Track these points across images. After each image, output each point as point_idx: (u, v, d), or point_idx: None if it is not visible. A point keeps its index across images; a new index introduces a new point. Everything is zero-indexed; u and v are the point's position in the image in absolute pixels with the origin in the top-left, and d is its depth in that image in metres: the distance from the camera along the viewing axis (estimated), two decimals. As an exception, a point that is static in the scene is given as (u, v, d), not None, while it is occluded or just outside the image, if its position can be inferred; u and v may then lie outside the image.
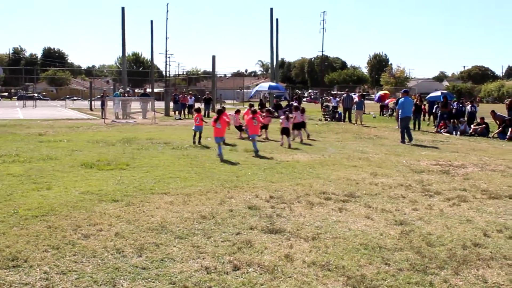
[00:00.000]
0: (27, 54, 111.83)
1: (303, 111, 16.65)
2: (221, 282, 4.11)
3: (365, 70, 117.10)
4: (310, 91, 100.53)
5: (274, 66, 39.12)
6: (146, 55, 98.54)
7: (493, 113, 20.62)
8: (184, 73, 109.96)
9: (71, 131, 18.13)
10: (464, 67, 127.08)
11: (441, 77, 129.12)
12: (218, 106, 20.32)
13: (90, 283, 4.04)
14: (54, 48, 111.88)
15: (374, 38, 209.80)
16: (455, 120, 21.34)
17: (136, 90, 58.77)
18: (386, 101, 34.42)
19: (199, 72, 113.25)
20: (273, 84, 32.64)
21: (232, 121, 17.00)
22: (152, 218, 5.97)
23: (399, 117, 16.95)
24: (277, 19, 37.60)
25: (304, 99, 66.34)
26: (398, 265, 4.58)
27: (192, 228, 5.60)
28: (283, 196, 7.30)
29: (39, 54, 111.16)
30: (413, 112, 19.73)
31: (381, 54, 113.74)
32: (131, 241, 5.08)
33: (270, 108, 21.95)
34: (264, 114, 16.62)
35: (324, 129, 20.98)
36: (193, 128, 14.14)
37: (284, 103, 32.92)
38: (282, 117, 15.14)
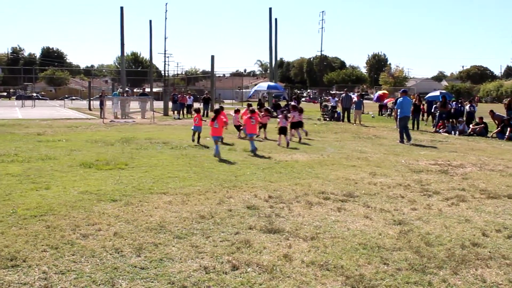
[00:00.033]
0: (25, 53, 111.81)
1: (301, 111, 16.67)
2: (220, 282, 4.11)
3: (364, 70, 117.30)
4: (309, 90, 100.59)
5: (273, 65, 39.14)
6: (145, 55, 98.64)
7: (491, 113, 20.64)
8: (183, 73, 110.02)
9: (69, 130, 18.11)
10: (463, 67, 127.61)
11: (440, 77, 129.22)
12: (217, 106, 20.31)
13: (89, 283, 4.03)
14: (52, 48, 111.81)
15: (373, 38, 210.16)
16: (454, 120, 21.37)
17: (135, 90, 58.78)
18: (385, 101, 34.45)
19: (198, 72, 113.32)
20: (272, 83, 32.68)
21: (232, 121, 17.05)
22: (151, 218, 5.97)
23: (398, 117, 16.98)
24: (276, 19, 37.67)
25: (303, 99, 66.33)
26: (396, 264, 4.59)
27: (191, 228, 5.60)
28: (282, 196, 7.30)
29: (37, 54, 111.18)
30: (412, 112, 19.76)
31: (380, 53, 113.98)
32: (130, 241, 5.08)
33: (268, 107, 21.93)
34: (262, 113, 16.63)
35: (323, 129, 20.99)
36: (192, 128, 14.16)
37: (283, 103, 32.93)
38: (280, 116, 15.16)
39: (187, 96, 31.00)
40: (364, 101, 29.46)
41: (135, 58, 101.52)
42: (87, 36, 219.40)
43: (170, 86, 61.40)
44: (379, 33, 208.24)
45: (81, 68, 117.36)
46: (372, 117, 31.62)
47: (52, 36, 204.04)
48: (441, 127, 21.07)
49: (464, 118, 21.86)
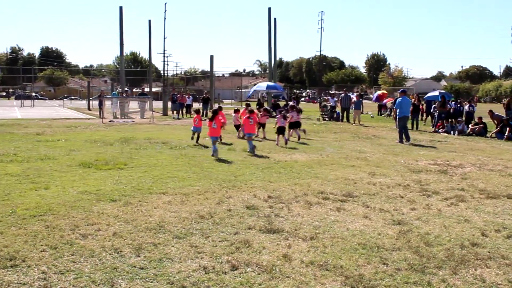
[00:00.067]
0: (25, 53, 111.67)
1: (299, 111, 16.71)
2: (219, 282, 4.11)
3: (363, 70, 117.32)
4: (308, 90, 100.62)
5: (272, 65, 39.10)
6: (144, 55, 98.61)
7: (491, 112, 20.65)
8: (182, 73, 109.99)
9: (69, 130, 18.10)
10: (462, 67, 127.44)
11: (439, 77, 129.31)
12: (216, 106, 20.32)
13: (88, 283, 4.03)
14: (52, 48, 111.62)
15: (372, 38, 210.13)
16: (453, 120, 21.38)
17: (134, 90, 58.75)
18: (384, 101, 34.48)
19: (197, 72, 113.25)
20: (271, 83, 32.66)
21: (233, 120, 17.09)
22: (150, 218, 5.97)
23: (397, 117, 16.99)
24: (275, 19, 37.57)
25: (303, 99, 66.34)
26: (396, 264, 4.59)
27: (190, 228, 5.60)
28: (281, 196, 7.30)
29: (37, 54, 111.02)
30: (411, 112, 19.77)
31: (379, 53, 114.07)
32: (129, 241, 5.08)
33: (267, 107, 21.95)
34: (261, 113, 16.65)
35: (322, 128, 20.99)
36: (192, 129, 14.20)
37: (282, 103, 32.93)
38: (278, 116, 15.19)
39: (186, 96, 30.99)
40: (363, 101, 29.49)
41: (134, 58, 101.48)
42: (86, 36, 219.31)
43: (169, 86, 61.35)
44: (378, 33, 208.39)
45: (80, 68, 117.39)
46: (371, 117, 31.65)
47: (51, 35, 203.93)
48: (440, 127, 21.08)
49: (463, 118, 21.88)
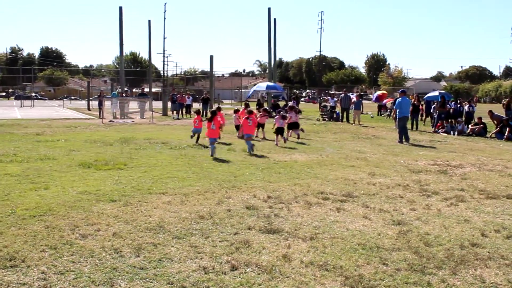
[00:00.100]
0: (24, 53, 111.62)
1: (298, 112, 16.76)
2: (219, 282, 4.10)
3: (363, 70, 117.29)
4: (308, 91, 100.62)
5: (272, 66, 39.11)
6: (144, 55, 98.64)
7: (490, 113, 20.66)
8: (182, 73, 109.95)
9: (68, 130, 18.10)
10: (461, 67, 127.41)
11: (438, 77, 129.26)
12: (218, 106, 20.34)
13: (88, 283, 4.03)
14: (51, 48, 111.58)
15: (372, 38, 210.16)
16: (453, 120, 21.38)
17: (134, 90, 58.70)
18: (384, 101, 34.50)
19: (197, 72, 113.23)
20: (271, 84, 32.64)
21: (234, 121, 17.11)
22: (150, 218, 5.97)
23: (397, 117, 16.99)
24: (274, 19, 37.56)
25: (302, 99, 66.34)
26: (396, 265, 4.59)
27: (190, 228, 5.60)
28: (281, 196, 7.30)
29: (36, 54, 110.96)
30: (411, 112, 19.77)
31: (379, 54, 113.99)
32: (129, 241, 5.08)
33: (267, 107, 21.95)
34: (260, 113, 16.67)
35: (322, 129, 20.99)
36: (192, 130, 14.23)
37: (282, 103, 32.92)
38: (277, 117, 15.22)
39: (186, 96, 30.99)
40: (363, 101, 29.48)
41: (134, 58, 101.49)
42: (86, 36, 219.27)
43: (169, 86, 61.34)
44: (378, 33, 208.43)
45: (80, 68, 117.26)
46: (371, 117, 31.65)
47: (51, 36, 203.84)
48: (440, 127, 21.08)
49: (463, 118, 21.89)
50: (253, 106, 20.67)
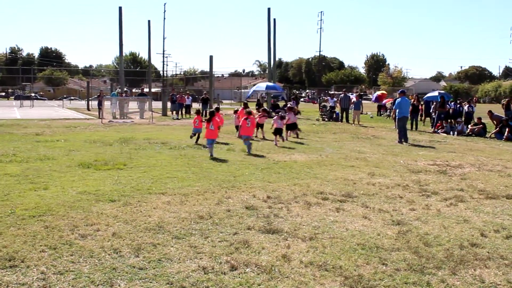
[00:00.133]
0: (24, 53, 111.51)
1: (297, 112, 16.82)
2: (219, 282, 4.10)
3: (362, 70, 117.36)
4: (307, 91, 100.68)
5: (272, 66, 39.12)
6: (144, 55, 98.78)
7: (490, 113, 20.67)
8: (182, 73, 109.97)
9: (68, 131, 18.09)
10: (461, 67, 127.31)
11: (438, 77, 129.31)
12: (216, 106, 20.36)
13: (87, 283, 4.03)
14: (51, 48, 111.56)
15: (372, 38, 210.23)
16: (452, 120, 21.39)
17: (133, 90, 58.72)
18: (384, 101, 34.50)
19: (197, 72, 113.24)
20: (271, 84, 32.64)
21: (234, 121, 17.11)
22: (150, 218, 5.96)
23: (396, 117, 17.00)
24: (274, 19, 37.59)
25: (302, 99, 66.35)
26: (395, 265, 4.59)
27: (190, 228, 5.60)
28: (280, 196, 7.30)
29: (36, 54, 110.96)
30: (411, 113, 19.78)
31: (378, 54, 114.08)
32: (128, 241, 5.08)
33: (266, 108, 21.96)
34: (259, 113, 16.68)
35: (321, 129, 20.99)
36: (192, 130, 14.25)
37: (281, 103, 32.93)
38: (275, 117, 15.26)
39: (186, 96, 30.98)
40: (363, 102, 29.49)
41: (134, 58, 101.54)
42: (86, 36, 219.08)
43: (168, 86, 61.31)
44: (378, 34, 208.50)
45: (79, 68, 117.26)
46: (371, 117, 31.66)
47: (50, 36, 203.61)
48: (440, 127, 21.09)
49: (463, 119, 21.89)
50: (252, 106, 20.68)
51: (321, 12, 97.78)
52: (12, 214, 5.96)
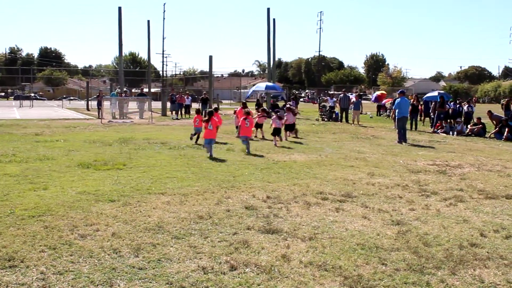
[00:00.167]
0: (23, 53, 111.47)
1: (295, 113, 16.86)
2: (218, 282, 4.10)
3: (362, 70, 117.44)
4: (307, 91, 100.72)
5: (271, 66, 39.14)
6: (143, 55, 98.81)
7: (489, 113, 20.68)
8: (181, 73, 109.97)
9: (67, 131, 18.08)
10: (460, 67, 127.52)
11: (438, 77, 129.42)
12: (215, 106, 20.37)
13: (87, 283, 4.03)
14: (50, 48, 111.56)
15: (371, 38, 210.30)
16: (452, 120, 21.40)
17: (133, 90, 58.70)
18: (383, 101, 34.51)
19: (196, 72, 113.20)
20: (270, 84, 32.64)
21: (234, 121, 17.12)
22: (149, 218, 5.96)
23: (396, 117, 17.01)
24: (274, 19, 37.63)
25: (302, 99, 66.38)
26: (395, 265, 4.59)
27: (189, 228, 5.60)
28: (280, 196, 7.30)
29: (35, 54, 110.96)
30: (410, 113, 19.78)
31: (378, 54, 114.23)
32: (128, 241, 5.08)
33: (265, 108, 21.97)
34: (259, 113, 16.69)
35: (321, 129, 21.00)
36: (194, 129, 14.27)
37: (281, 103, 32.93)
38: (274, 117, 15.27)
39: (185, 97, 30.98)
40: (362, 102, 29.50)
41: (133, 58, 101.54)
42: (85, 36, 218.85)
43: (168, 86, 61.32)
44: (377, 34, 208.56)
45: (79, 68, 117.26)
46: (370, 117, 31.67)
47: (50, 36, 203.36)
48: (439, 127, 21.09)
49: (462, 119, 21.90)
50: (252, 106, 20.68)
51: (321, 12, 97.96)
52: (11, 214, 5.96)
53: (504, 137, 17.94)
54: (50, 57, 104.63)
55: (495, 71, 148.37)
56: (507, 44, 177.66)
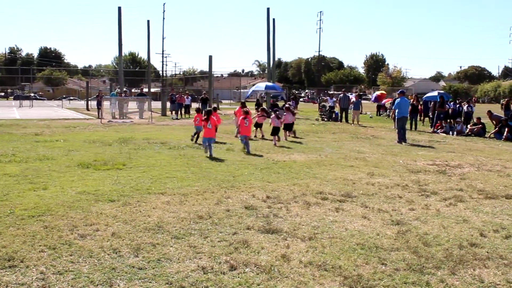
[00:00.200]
0: (23, 53, 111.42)
1: (294, 113, 16.88)
2: (218, 282, 4.10)
3: (361, 70, 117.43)
4: (307, 91, 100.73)
5: (271, 66, 39.14)
6: (143, 55, 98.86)
7: (489, 113, 20.69)
8: (181, 73, 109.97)
9: (67, 131, 18.08)
10: (460, 67, 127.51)
11: (437, 77, 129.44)
12: (214, 106, 20.37)
13: (86, 283, 4.03)
14: (50, 48, 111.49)
15: (371, 38, 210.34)
16: (452, 120, 21.40)
17: (132, 90, 58.71)
18: (383, 101, 34.52)
19: (196, 72, 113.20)
20: (270, 84, 32.64)
21: (234, 121, 17.12)
22: (149, 218, 5.96)
23: (396, 117, 17.02)
24: (273, 19, 37.64)
25: (302, 99, 66.39)
26: (394, 265, 4.59)
27: (189, 228, 5.60)
28: (280, 196, 7.30)
29: (35, 54, 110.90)
30: (410, 113, 19.79)
31: (377, 54, 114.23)
32: (127, 241, 5.08)
33: (265, 107, 21.97)
34: (258, 113, 16.70)
35: (321, 129, 21.00)
36: (195, 127, 14.28)
37: (281, 103, 32.94)
38: (272, 116, 15.28)
39: (185, 96, 30.98)
40: (362, 102, 29.50)
41: (133, 58, 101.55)
42: (85, 36, 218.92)
43: (168, 86, 61.38)
44: (377, 34, 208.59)
45: (79, 68, 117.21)
46: (370, 117, 31.67)
47: (50, 36, 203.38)
48: (439, 127, 21.10)
49: (462, 119, 21.90)
50: (252, 106, 20.68)
51: (321, 12, 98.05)
52: (11, 214, 5.96)
53: (504, 137, 17.95)
54: (50, 57, 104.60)
55: (495, 71, 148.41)
56: (507, 44, 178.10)
